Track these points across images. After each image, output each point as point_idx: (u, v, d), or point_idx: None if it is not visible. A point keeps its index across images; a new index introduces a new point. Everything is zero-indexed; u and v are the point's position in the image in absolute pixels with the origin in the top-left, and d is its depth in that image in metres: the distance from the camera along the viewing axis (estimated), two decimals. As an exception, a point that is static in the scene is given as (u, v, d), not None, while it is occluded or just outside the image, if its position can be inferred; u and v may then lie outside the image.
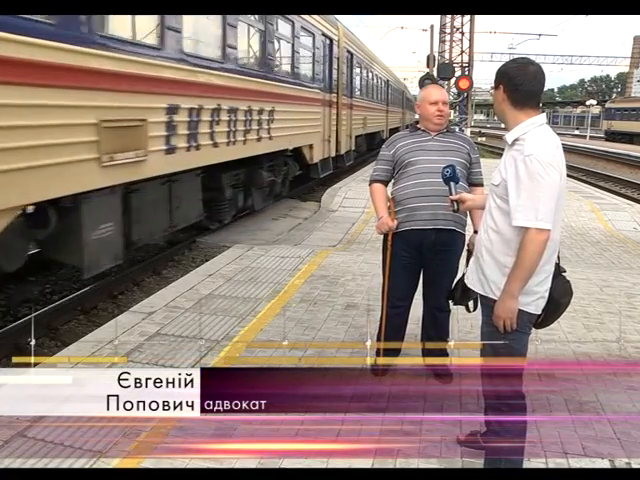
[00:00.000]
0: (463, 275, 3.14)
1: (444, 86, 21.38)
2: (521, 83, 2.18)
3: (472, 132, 30.19)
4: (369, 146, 20.11)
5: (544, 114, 2.28)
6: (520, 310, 2.22)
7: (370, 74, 18.89)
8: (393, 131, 22.72)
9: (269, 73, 8.24)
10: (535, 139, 2.15)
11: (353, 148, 15.33)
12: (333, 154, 12.91)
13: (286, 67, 9.36)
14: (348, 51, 14.14)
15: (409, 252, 3.26)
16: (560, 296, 2.33)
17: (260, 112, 7.88)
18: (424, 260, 3.28)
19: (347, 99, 14.17)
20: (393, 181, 3.36)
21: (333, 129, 12.68)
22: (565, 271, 2.39)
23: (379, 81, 21.43)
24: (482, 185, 3.31)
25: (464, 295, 3.12)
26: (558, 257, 2.35)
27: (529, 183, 2.09)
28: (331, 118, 12.34)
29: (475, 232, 3.13)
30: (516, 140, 2.19)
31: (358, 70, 16.29)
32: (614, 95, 78.53)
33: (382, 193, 3.35)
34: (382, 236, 3.38)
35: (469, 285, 2.45)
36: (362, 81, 17.35)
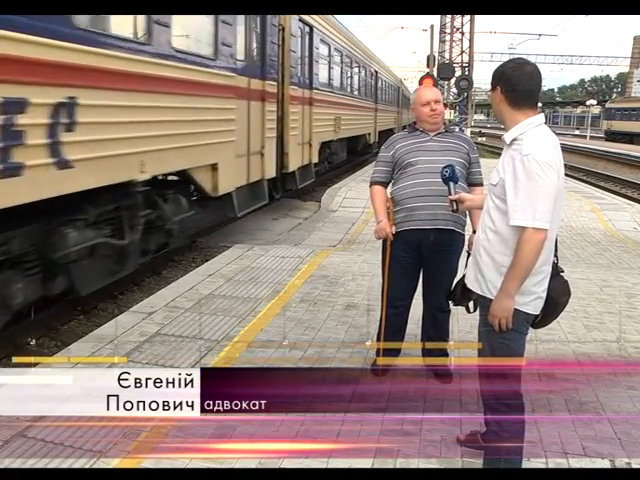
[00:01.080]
0: (464, 275, 3.15)
1: (444, 86, 21.42)
2: (518, 83, 2.19)
3: (472, 132, 30.15)
4: (351, 152, 16.62)
5: (542, 114, 2.29)
6: (517, 310, 2.22)
7: (348, 60, 14.39)
8: (384, 134, 19.20)
9: (47, 23, 3.66)
10: (533, 139, 2.15)
11: (315, 160, 10.98)
12: (271, 174, 8.25)
13: (115, 20, 4.53)
14: (304, 22, 9.92)
15: (408, 252, 3.27)
16: (558, 295, 2.33)
17: (10, 109, 3.41)
18: (423, 260, 3.29)
19: (302, 91, 9.90)
20: (392, 181, 3.36)
21: (271, 135, 8.08)
22: (563, 271, 2.39)
23: (363, 71, 16.98)
24: (481, 185, 3.31)
25: (464, 295, 3.12)
26: (557, 257, 2.35)
27: (527, 182, 2.10)
28: (265, 119, 7.77)
29: (474, 232, 3.13)
30: (514, 140, 2.20)
31: (325, 52, 11.81)
32: (614, 95, 78.57)
33: (382, 196, 3.35)
34: (381, 236, 3.38)
35: (468, 285, 2.45)
36: (332, 68, 12.53)
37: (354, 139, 16.23)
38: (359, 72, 16.48)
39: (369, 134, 18.36)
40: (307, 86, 10.31)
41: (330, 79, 12.43)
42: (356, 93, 16.09)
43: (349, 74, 14.99)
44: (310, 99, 10.42)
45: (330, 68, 12.39)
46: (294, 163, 9.48)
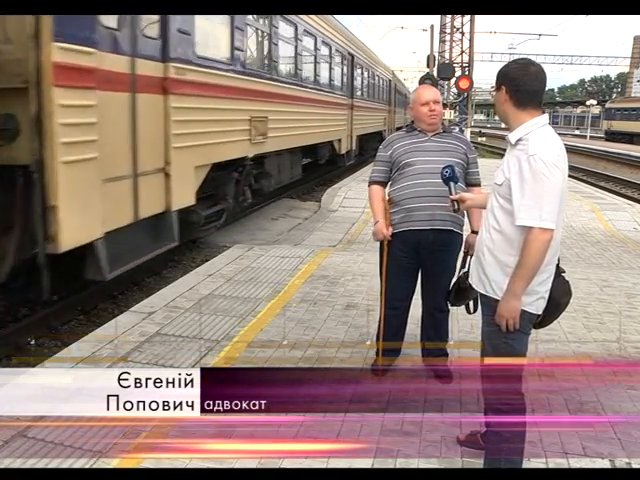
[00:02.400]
0: (459, 276, 3.15)
1: (444, 86, 21.41)
2: (523, 83, 2.19)
3: (472, 132, 30.13)
4: (312, 160, 12.69)
5: (546, 114, 2.29)
6: (522, 310, 2.22)
7: (288, 28, 9.24)
8: (369, 139, 17.02)
9: None
10: (539, 139, 2.15)
11: (188, 202, 5.83)
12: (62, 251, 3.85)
13: None
14: None
15: (406, 252, 3.26)
16: (560, 296, 2.33)
17: None
18: (422, 260, 3.28)
19: (128, 62, 4.75)
20: (391, 182, 3.36)
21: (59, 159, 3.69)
22: (564, 272, 2.39)
23: (325, 50, 11.78)
24: (479, 185, 3.32)
25: (459, 296, 3.13)
26: (558, 258, 2.35)
27: (533, 183, 2.10)
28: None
29: (473, 232, 3.13)
30: (519, 140, 2.20)
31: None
32: (614, 95, 78.58)
33: (380, 196, 3.34)
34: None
35: (473, 285, 2.45)
36: (242, 32, 7.22)
37: (312, 149, 11.44)
38: (316, 51, 11.00)
39: (339, 140, 13.28)
40: (148, 55, 5.07)
41: (234, 49, 6.97)
42: (310, 81, 10.75)
43: (292, 51, 9.55)
44: (163, 81, 5.28)
45: (235, 30, 6.98)
46: (84, 229, 4.19)
